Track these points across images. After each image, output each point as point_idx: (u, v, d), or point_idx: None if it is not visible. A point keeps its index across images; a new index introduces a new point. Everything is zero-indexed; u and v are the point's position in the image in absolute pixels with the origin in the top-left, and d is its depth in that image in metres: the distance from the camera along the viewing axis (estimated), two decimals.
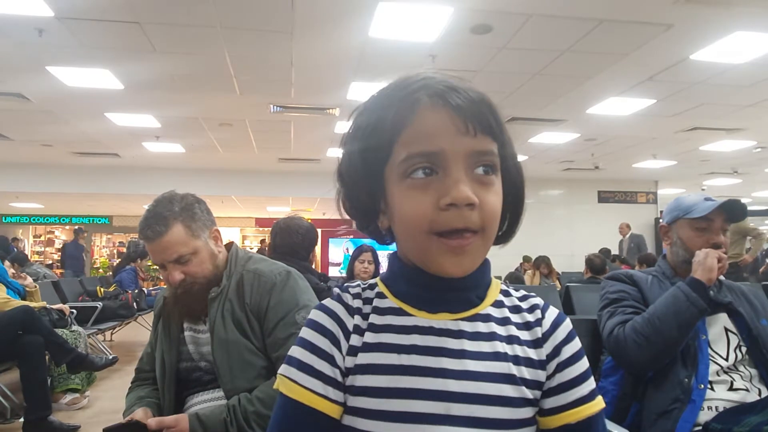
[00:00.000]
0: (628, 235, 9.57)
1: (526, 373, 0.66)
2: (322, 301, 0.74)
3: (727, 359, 1.52)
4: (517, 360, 0.67)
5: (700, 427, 1.42)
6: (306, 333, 0.70)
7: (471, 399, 0.63)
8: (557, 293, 3.59)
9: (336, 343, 0.68)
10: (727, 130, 7.84)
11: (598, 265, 5.57)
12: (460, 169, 0.62)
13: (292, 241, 2.64)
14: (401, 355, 0.65)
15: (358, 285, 0.75)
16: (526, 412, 0.66)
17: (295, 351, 0.69)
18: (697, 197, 1.67)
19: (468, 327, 0.67)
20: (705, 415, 1.44)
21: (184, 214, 1.47)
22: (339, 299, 0.73)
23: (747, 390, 1.48)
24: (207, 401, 1.49)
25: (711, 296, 1.53)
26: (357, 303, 0.71)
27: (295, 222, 2.72)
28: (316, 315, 0.72)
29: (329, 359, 0.67)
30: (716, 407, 1.45)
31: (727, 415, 1.42)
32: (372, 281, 0.75)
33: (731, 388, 1.48)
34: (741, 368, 1.53)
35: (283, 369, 0.69)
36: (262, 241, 14.33)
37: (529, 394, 0.66)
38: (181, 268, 1.46)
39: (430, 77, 0.66)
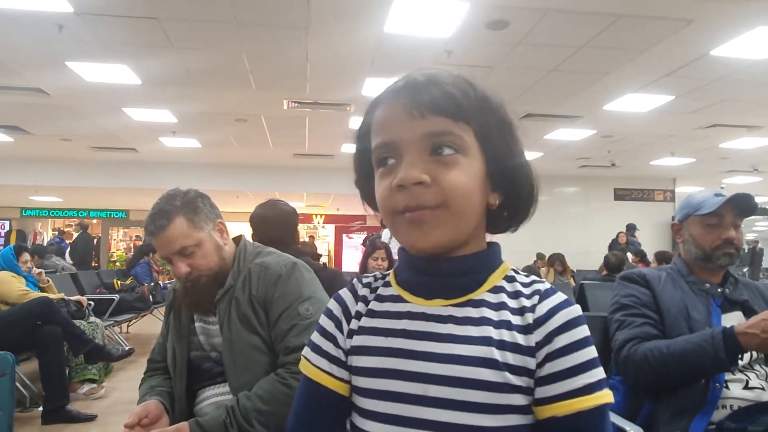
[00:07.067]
0: None
1: (510, 358, 0.65)
2: (339, 291, 0.80)
3: (742, 358, 1.51)
4: (502, 345, 0.65)
5: (715, 426, 1.41)
6: (321, 318, 0.79)
7: (449, 381, 0.65)
8: (571, 290, 3.58)
9: (339, 326, 0.76)
10: (747, 127, 7.72)
11: (614, 263, 5.52)
12: (413, 153, 0.66)
13: (275, 235, 2.29)
14: (389, 338, 0.70)
15: (373, 276, 0.80)
16: (515, 399, 0.64)
17: (314, 335, 0.78)
18: (708, 193, 1.63)
19: (457, 312, 0.69)
20: (719, 414, 1.42)
21: (186, 208, 1.49)
22: (351, 288, 0.79)
23: (762, 389, 1.46)
24: (219, 395, 1.51)
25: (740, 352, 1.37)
26: (364, 291, 0.78)
27: (275, 213, 2.38)
28: (330, 303, 0.80)
29: (333, 340, 0.75)
30: (731, 406, 1.44)
31: (742, 414, 1.40)
32: (389, 272, 0.80)
33: (746, 387, 1.46)
34: (756, 367, 1.51)
35: (304, 350, 0.78)
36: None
37: (514, 380, 0.64)
38: (186, 260, 1.48)
39: (411, 74, 0.70)
